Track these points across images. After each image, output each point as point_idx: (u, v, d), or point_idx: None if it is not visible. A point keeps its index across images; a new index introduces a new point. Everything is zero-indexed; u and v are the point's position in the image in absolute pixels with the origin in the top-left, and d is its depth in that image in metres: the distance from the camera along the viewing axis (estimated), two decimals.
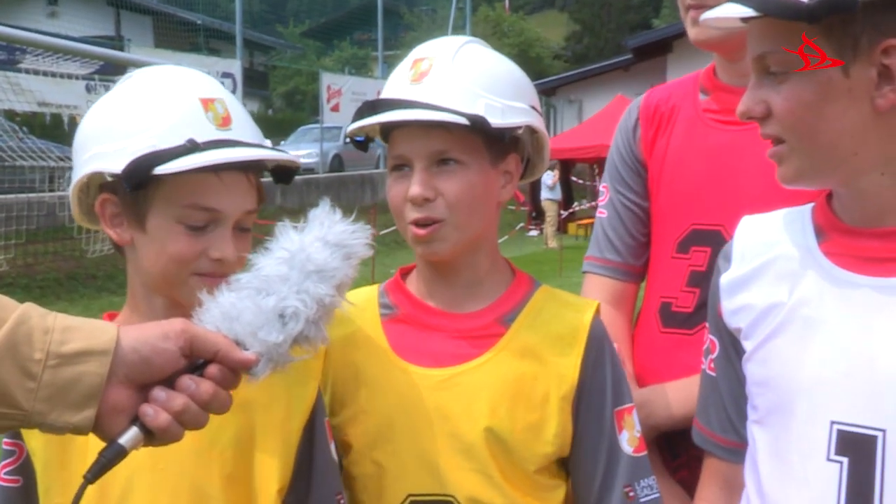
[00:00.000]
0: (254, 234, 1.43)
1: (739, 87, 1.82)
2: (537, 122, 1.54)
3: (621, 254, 2.01)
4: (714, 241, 1.79)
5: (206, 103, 1.35)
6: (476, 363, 1.50)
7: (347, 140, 1.55)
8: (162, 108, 1.33)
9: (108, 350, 1.01)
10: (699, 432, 1.49)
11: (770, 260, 1.33)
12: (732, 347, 1.39)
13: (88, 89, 11.64)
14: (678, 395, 1.78)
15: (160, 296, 1.39)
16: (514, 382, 1.49)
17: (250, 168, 1.38)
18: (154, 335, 1.06)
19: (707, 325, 1.46)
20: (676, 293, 1.88)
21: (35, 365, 0.98)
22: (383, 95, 1.51)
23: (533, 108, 1.54)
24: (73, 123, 12.52)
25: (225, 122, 1.35)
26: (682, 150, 1.91)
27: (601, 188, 2.09)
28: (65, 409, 1.00)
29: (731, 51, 1.82)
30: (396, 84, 1.50)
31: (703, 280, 1.76)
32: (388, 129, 1.52)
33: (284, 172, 1.45)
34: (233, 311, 1.12)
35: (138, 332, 1.05)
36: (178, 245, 1.33)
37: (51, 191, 12.58)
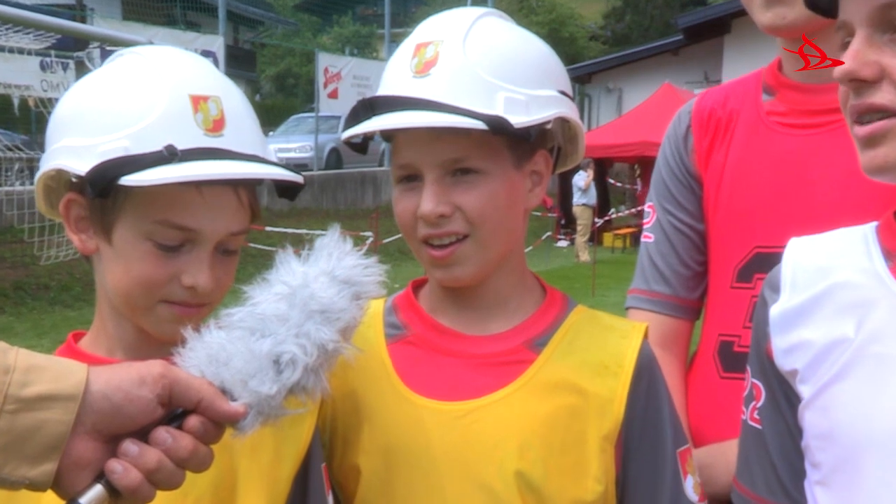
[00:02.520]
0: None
1: (810, 84, 1.82)
2: (569, 110, 1.52)
3: (672, 285, 2.00)
4: None
5: (197, 101, 1.33)
6: (501, 395, 1.48)
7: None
8: (142, 103, 1.32)
9: (74, 395, 1.02)
10: (740, 494, 1.45)
11: (829, 288, 1.30)
12: (782, 393, 1.36)
13: (43, 67, 11.70)
14: None
15: (128, 319, 1.39)
16: (547, 419, 1.47)
17: (241, 183, 1.37)
18: (128, 380, 1.06)
19: (749, 367, 1.43)
20: (738, 330, 1.85)
21: None
22: (382, 91, 1.49)
23: (563, 93, 1.52)
24: (25, 106, 12.59)
25: (216, 126, 1.34)
26: (743, 161, 1.90)
27: (646, 208, 2.07)
28: (21, 462, 1.00)
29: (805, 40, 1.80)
30: (397, 76, 1.48)
31: None
32: (390, 132, 1.50)
33: (287, 186, 1.43)
34: (221, 355, 1.13)
35: (110, 375, 1.06)
36: (144, 266, 1.33)
37: None
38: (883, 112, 1.21)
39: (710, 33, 24.26)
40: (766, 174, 1.86)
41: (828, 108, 1.77)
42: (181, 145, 1.29)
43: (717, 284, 1.93)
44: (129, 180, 1.25)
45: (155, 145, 1.28)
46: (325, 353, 1.17)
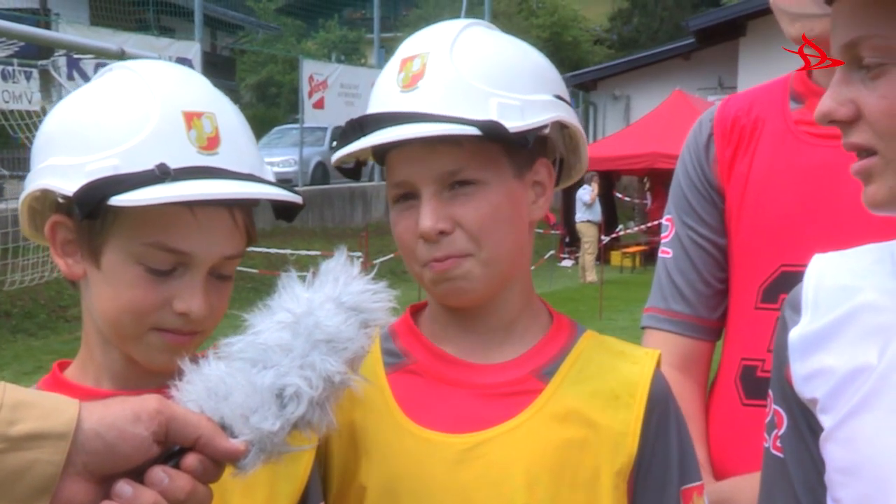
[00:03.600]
0: None
1: None
2: (566, 114, 1.55)
3: (692, 304, 2.01)
4: None
5: (191, 118, 1.35)
6: (508, 427, 1.49)
7: (334, 145, 1.55)
8: (133, 119, 1.34)
9: (65, 434, 1.04)
10: None
11: (853, 310, 1.30)
12: (805, 422, 1.36)
13: (5, 76, 11.71)
14: None
15: (116, 347, 1.41)
16: (557, 452, 1.48)
17: (237, 204, 1.38)
18: (122, 417, 1.08)
19: (771, 392, 1.44)
20: (762, 354, 1.87)
21: None
22: (371, 109, 1.52)
23: (559, 97, 1.55)
24: None
25: (211, 144, 1.36)
26: (770, 173, 1.92)
27: (664, 221, 2.09)
28: None
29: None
30: (385, 93, 1.52)
31: None
32: (383, 152, 1.52)
33: (286, 207, 1.45)
34: (221, 388, 1.14)
35: (103, 412, 1.08)
36: (135, 291, 1.34)
37: None
38: (866, 150, 1.25)
39: (725, 36, 24.40)
40: (793, 187, 1.88)
41: None
42: (174, 164, 1.30)
43: (740, 305, 1.95)
44: (118, 200, 1.27)
45: (146, 164, 1.30)
46: (331, 386, 1.17)
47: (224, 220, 1.37)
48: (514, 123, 1.44)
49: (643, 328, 2.08)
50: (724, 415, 1.94)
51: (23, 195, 1.41)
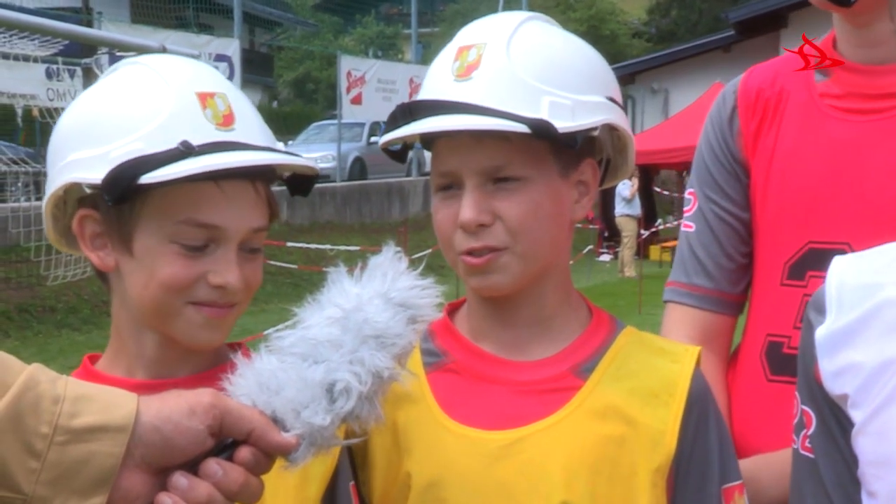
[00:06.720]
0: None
1: (868, 66, 1.83)
2: (617, 117, 1.56)
3: (714, 278, 2.01)
4: None
5: (204, 98, 1.40)
6: (546, 424, 1.50)
7: (372, 140, 1.58)
8: (150, 104, 1.38)
9: (125, 426, 1.07)
10: None
11: (876, 307, 1.31)
12: (835, 419, 1.36)
13: (49, 74, 11.79)
14: None
15: (151, 331, 1.44)
16: (595, 449, 1.49)
17: (258, 176, 1.42)
18: (179, 410, 1.10)
19: (797, 394, 1.45)
20: (789, 330, 1.86)
21: (40, 441, 1.04)
22: (423, 95, 1.54)
23: (611, 99, 1.56)
24: (29, 117, 12.68)
25: (227, 120, 1.40)
26: (795, 147, 1.91)
27: (687, 195, 2.08)
28: (70, 495, 1.05)
29: (861, 12, 1.80)
30: (438, 80, 1.53)
31: None
32: (430, 138, 1.54)
33: (301, 182, 1.50)
34: (272, 383, 1.17)
35: (160, 406, 1.11)
36: (171, 268, 1.38)
37: (1, 201, 12.74)
38: None
39: (766, 28, 24.09)
40: (820, 163, 1.87)
41: (888, 91, 1.79)
42: (195, 141, 1.35)
43: (765, 280, 1.94)
44: (149, 178, 1.31)
45: (169, 143, 1.34)
46: (379, 381, 1.19)
47: (248, 192, 1.41)
48: (563, 123, 1.44)
49: (665, 301, 2.07)
50: (748, 390, 1.92)
51: (46, 197, 1.44)
